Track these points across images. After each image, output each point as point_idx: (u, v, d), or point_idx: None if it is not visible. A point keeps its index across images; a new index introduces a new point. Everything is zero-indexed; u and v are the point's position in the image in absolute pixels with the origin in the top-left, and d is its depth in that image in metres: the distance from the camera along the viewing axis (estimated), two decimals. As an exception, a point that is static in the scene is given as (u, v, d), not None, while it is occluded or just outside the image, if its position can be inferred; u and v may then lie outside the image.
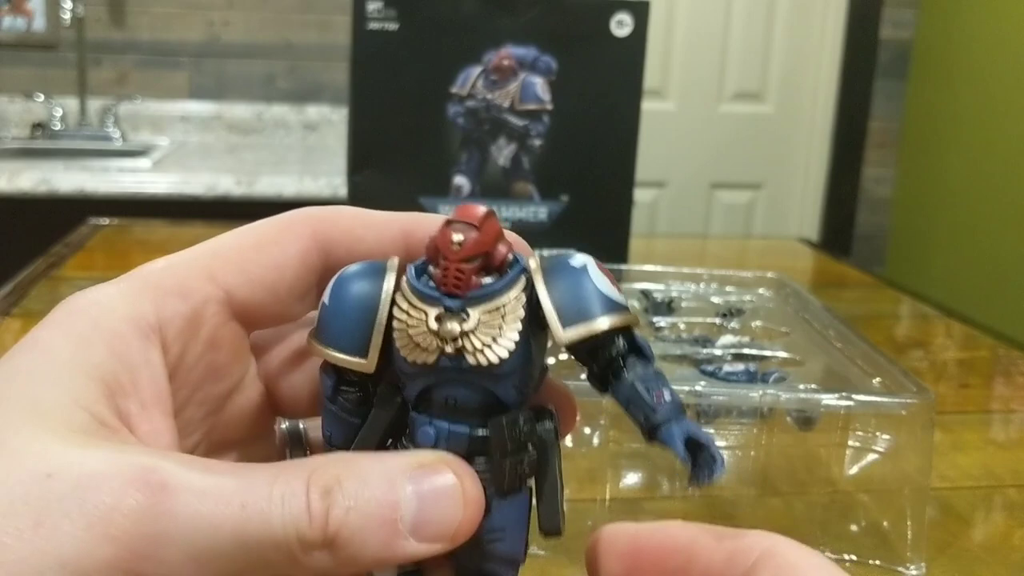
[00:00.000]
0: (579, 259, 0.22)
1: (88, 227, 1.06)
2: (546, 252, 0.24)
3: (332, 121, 2.30)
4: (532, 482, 0.23)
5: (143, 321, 0.22)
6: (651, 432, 0.22)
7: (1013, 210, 2.05)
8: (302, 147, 2.26)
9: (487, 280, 0.22)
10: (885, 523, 0.45)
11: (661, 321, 0.59)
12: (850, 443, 0.46)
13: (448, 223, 0.22)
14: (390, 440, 0.23)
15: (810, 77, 2.54)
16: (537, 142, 0.81)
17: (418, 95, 0.79)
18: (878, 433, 0.45)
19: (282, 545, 0.20)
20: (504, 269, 0.22)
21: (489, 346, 0.21)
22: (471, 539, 0.21)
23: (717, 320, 0.59)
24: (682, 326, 0.58)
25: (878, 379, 0.46)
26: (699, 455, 0.21)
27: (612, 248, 0.82)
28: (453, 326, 0.21)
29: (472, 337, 0.21)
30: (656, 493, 0.49)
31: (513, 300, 0.21)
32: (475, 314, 0.21)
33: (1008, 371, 0.73)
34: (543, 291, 0.22)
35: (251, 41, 2.27)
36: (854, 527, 0.46)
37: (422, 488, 0.21)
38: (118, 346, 0.22)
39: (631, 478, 0.49)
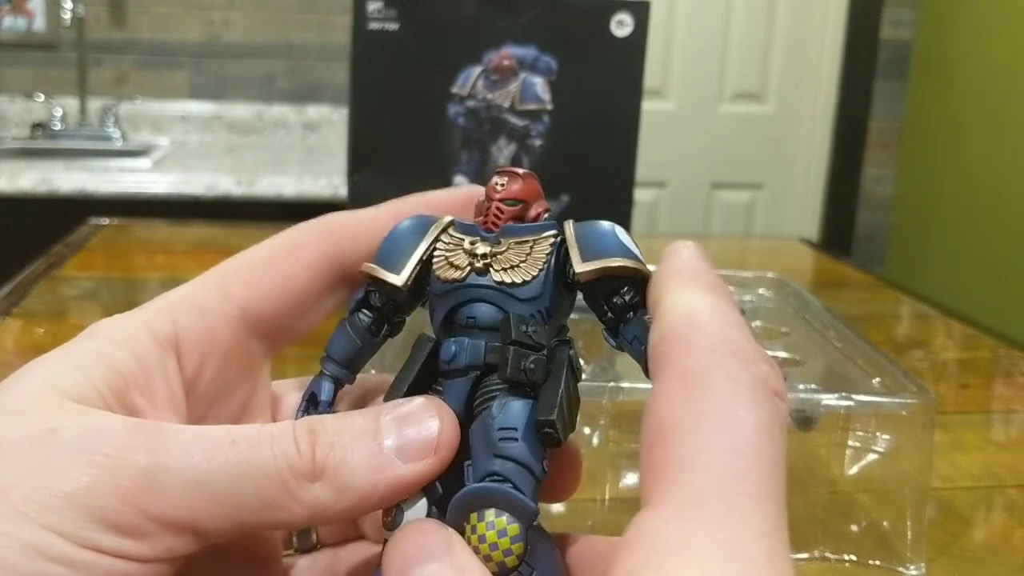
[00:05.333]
0: (609, 223, 0.25)
1: (88, 227, 1.06)
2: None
3: (332, 121, 2.30)
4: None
5: (161, 335, 0.24)
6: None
7: (1013, 210, 2.05)
8: (302, 147, 2.26)
9: (521, 224, 0.24)
10: (885, 523, 0.45)
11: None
12: (850, 443, 0.46)
13: (498, 171, 0.25)
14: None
15: (810, 77, 2.54)
16: (537, 142, 0.81)
17: (418, 95, 0.79)
18: (878, 433, 0.45)
19: (274, 477, 0.21)
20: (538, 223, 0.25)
21: (515, 267, 0.24)
22: (481, 441, 0.22)
23: (717, 320, 0.59)
24: (682, 326, 0.58)
25: (878, 379, 0.46)
26: None
27: (612, 248, 0.82)
28: (484, 247, 0.24)
29: (500, 258, 0.24)
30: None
31: (542, 240, 0.24)
32: (506, 243, 0.24)
33: (1008, 371, 0.73)
34: (571, 234, 0.24)
35: (251, 41, 2.27)
36: (854, 527, 0.46)
37: (398, 413, 0.22)
38: (138, 351, 0.23)
39: (631, 478, 0.49)
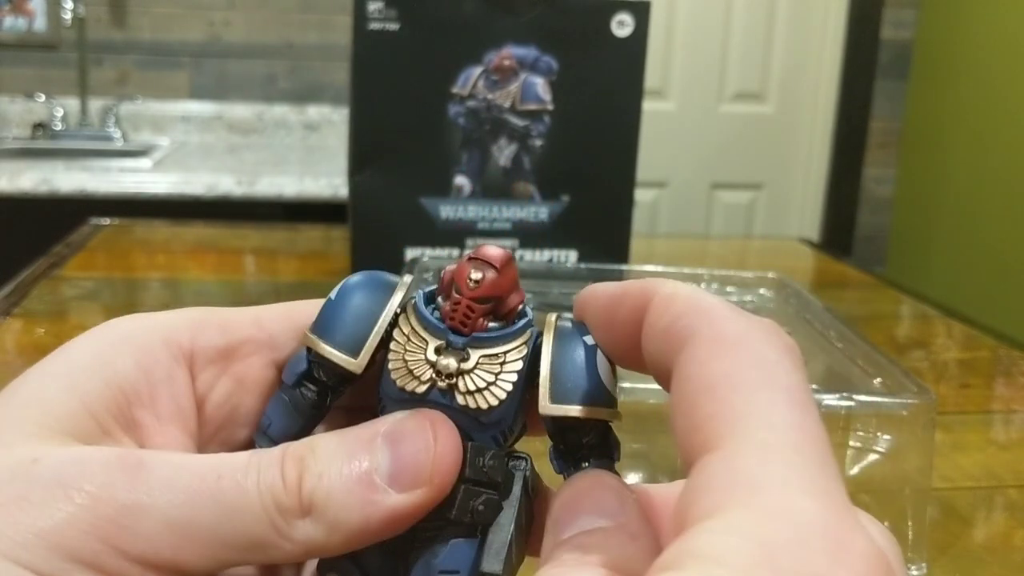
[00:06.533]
0: (590, 348, 0.22)
1: (89, 227, 1.06)
2: (562, 316, 0.23)
3: (333, 121, 2.30)
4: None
5: (174, 342, 0.23)
6: None
7: (1014, 210, 2.05)
8: (303, 147, 2.26)
9: (493, 325, 0.22)
10: (886, 523, 0.45)
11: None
12: (851, 443, 0.46)
13: (469, 259, 0.22)
14: None
15: (811, 77, 2.54)
16: (538, 142, 0.81)
17: (419, 95, 0.79)
18: (879, 433, 0.45)
19: (260, 515, 0.20)
20: (512, 319, 0.22)
21: (482, 390, 0.21)
22: (420, 570, 0.21)
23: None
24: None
25: (879, 379, 0.46)
26: None
27: (612, 248, 0.82)
28: (451, 362, 0.21)
29: (468, 378, 0.21)
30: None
31: (515, 351, 0.22)
32: (475, 356, 0.21)
33: (1009, 371, 0.73)
34: (547, 355, 0.22)
35: (252, 41, 2.27)
36: (855, 527, 0.46)
37: (392, 434, 0.21)
38: (143, 359, 0.22)
39: (631, 478, 0.49)
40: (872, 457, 0.46)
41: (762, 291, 0.65)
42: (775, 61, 2.51)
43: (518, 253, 0.82)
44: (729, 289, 0.65)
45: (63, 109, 2.17)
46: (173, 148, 2.13)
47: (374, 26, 0.77)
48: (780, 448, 0.16)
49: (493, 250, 0.22)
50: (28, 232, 1.32)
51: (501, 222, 0.81)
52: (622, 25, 0.80)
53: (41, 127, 2.16)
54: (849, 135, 2.54)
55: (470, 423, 0.21)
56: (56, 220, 1.17)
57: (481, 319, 0.21)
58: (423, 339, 0.22)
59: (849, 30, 2.50)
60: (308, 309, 0.24)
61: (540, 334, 0.22)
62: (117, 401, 0.21)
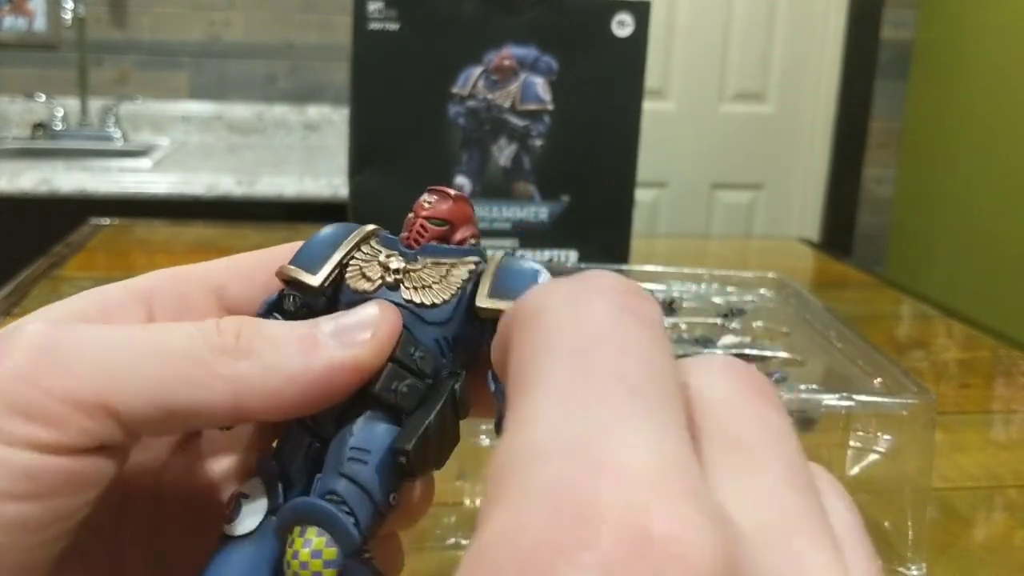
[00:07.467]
0: (537, 266, 0.23)
1: (89, 227, 1.06)
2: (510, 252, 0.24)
3: (333, 121, 2.30)
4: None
5: (133, 287, 0.23)
6: None
7: (1014, 210, 2.05)
8: (303, 147, 2.26)
9: (443, 245, 0.24)
10: (886, 523, 0.45)
11: (662, 321, 0.59)
12: (851, 443, 0.46)
13: (428, 189, 0.24)
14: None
15: (811, 77, 2.54)
16: (538, 142, 0.81)
17: (419, 95, 0.79)
18: (879, 433, 0.45)
19: (189, 352, 0.20)
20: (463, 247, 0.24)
21: (427, 287, 0.23)
22: (334, 455, 0.21)
23: (718, 320, 0.59)
24: (683, 326, 0.58)
25: (879, 379, 0.46)
26: None
27: (613, 248, 0.82)
28: (401, 263, 0.23)
29: (414, 275, 0.23)
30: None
31: (461, 266, 0.23)
32: (423, 261, 0.23)
33: (1009, 371, 0.73)
34: (493, 265, 0.23)
35: (252, 41, 2.27)
36: (855, 527, 0.46)
37: (340, 319, 0.22)
38: (101, 300, 0.22)
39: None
40: (872, 457, 0.46)
41: (762, 291, 0.65)
42: (775, 61, 2.51)
43: (518, 253, 0.82)
44: (729, 289, 0.65)
45: (63, 109, 2.17)
46: (173, 148, 2.13)
47: (374, 26, 0.77)
48: (546, 411, 0.14)
49: (449, 188, 0.24)
50: (28, 232, 1.32)
51: (501, 222, 0.81)
52: (622, 25, 0.80)
53: (41, 127, 2.16)
54: (849, 135, 2.54)
55: (413, 322, 0.22)
56: (56, 220, 1.17)
57: (433, 241, 0.23)
58: (378, 250, 0.24)
59: (849, 30, 2.50)
60: (253, 260, 0.25)
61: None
62: (68, 318, 0.21)
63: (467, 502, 0.45)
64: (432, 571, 0.44)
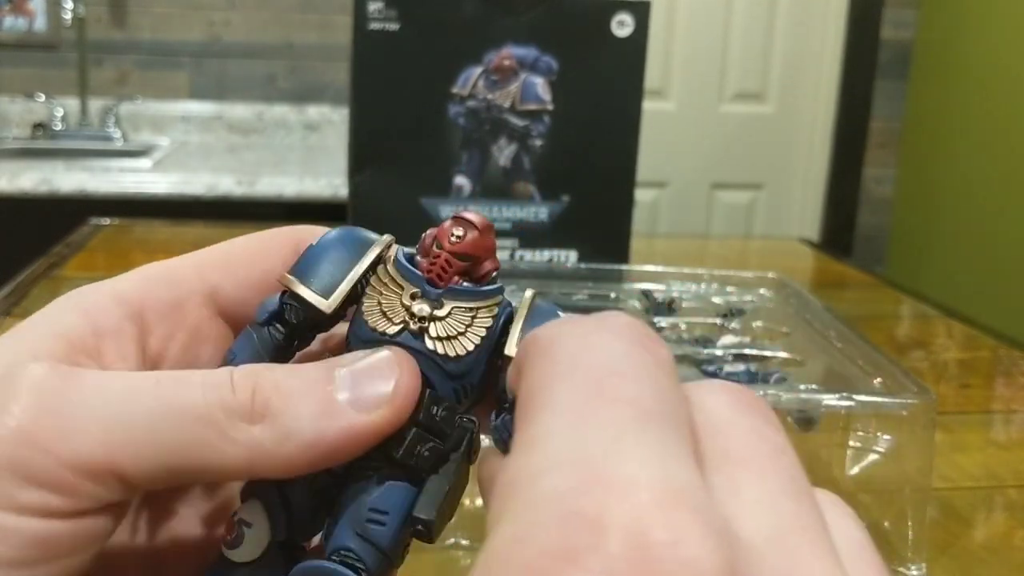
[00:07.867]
0: (562, 314, 0.23)
1: (89, 227, 1.06)
2: (539, 294, 0.23)
3: (333, 121, 2.30)
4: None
5: (124, 298, 0.22)
6: None
7: (1014, 210, 2.05)
8: (303, 147, 2.26)
9: (467, 284, 0.22)
10: (886, 523, 0.45)
11: (662, 321, 0.59)
12: (851, 443, 0.46)
13: (453, 218, 0.23)
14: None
15: (811, 77, 2.54)
16: (538, 142, 0.81)
17: (419, 95, 0.79)
18: (879, 433, 0.45)
19: (203, 414, 0.19)
20: (485, 283, 0.23)
21: (452, 338, 0.22)
22: (350, 511, 0.21)
23: (718, 320, 0.59)
24: (683, 326, 0.58)
25: (879, 379, 0.46)
26: None
27: (612, 248, 0.82)
28: (425, 307, 0.22)
29: (440, 324, 0.22)
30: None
31: (486, 310, 0.22)
32: (449, 306, 0.22)
33: (1009, 371, 0.73)
34: (523, 315, 0.22)
35: (252, 41, 2.27)
36: (855, 527, 0.46)
37: (355, 366, 0.21)
38: (91, 311, 0.21)
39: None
40: (872, 457, 0.46)
41: (762, 291, 0.65)
42: (775, 61, 2.51)
43: (518, 253, 0.82)
44: (729, 289, 0.65)
45: (63, 109, 2.17)
46: (173, 148, 2.13)
47: (374, 26, 0.77)
48: (556, 435, 0.14)
49: (475, 214, 0.23)
50: (28, 232, 1.32)
51: (501, 222, 0.81)
52: (622, 25, 0.80)
53: (41, 127, 2.16)
54: (849, 135, 2.54)
55: (434, 371, 0.22)
56: (56, 220, 1.17)
57: (456, 276, 0.22)
58: (400, 285, 0.22)
59: (849, 30, 2.50)
60: (247, 256, 0.24)
61: (511, 304, 0.23)
62: (63, 350, 0.20)
63: (467, 502, 0.45)
64: (432, 571, 0.44)
